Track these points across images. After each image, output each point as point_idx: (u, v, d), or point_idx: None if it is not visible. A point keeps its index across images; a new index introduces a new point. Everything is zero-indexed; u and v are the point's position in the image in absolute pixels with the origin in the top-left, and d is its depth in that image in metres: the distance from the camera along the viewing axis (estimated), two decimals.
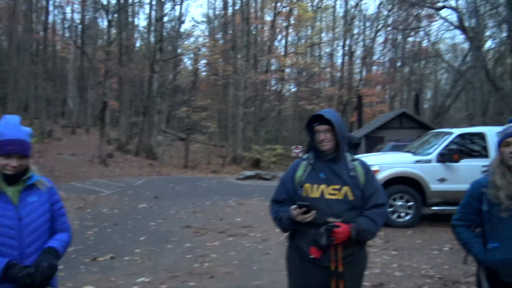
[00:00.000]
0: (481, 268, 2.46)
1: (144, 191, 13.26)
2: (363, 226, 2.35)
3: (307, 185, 2.44)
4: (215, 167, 24.46)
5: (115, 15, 27.06)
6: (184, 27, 49.80)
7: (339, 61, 34.19)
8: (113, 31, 28.68)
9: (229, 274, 5.10)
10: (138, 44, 41.35)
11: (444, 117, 34.99)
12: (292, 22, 30.34)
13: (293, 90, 35.98)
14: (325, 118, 2.41)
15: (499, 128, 9.02)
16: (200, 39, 40.94)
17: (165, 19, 31.29)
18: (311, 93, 30.09)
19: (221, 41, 37.88)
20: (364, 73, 34.83)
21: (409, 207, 8.07)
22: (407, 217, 8.06)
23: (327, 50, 36.19)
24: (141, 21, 66.47)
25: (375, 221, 2.40)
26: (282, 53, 30.86)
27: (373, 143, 18.18)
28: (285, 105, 29.87)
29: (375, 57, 36.52)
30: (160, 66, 25.49)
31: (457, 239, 2.57)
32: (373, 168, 8.17)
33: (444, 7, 20.39)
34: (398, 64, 34.57)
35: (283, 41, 33.52)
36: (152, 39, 30.41)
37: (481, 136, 8.33)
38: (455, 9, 19.79)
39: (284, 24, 30.73)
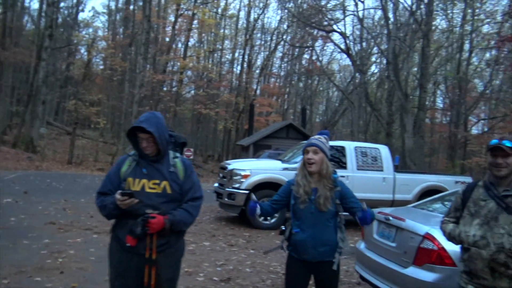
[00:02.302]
0: (289, 249, 3.02)
1: (14, 186, 12.31)
2: (178, 218, 2.62)
3: (130, 179, 2.65)
4: (103, 165, 23.45)
5: None
6: (82, 16, 47.22)
7: (239, 69, 35.11)
8: None
9: (81, 270, 5.08)
10: (28, 27, 38.18)
11: (331, 131, 37.82)
12: (194, 26, 30.44)
13: (192, 93, 36.06)
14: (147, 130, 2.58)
15: (358, 143, 10.10)
16: (99, 32, 39.20)
17: (61, 4, 29.42)
18: (208, 98, 30.43)
19: (121, 36, 36.62)
20: (261, 83, 36.17)
21: None
22: (273, 220, 8.68)
23: (228, 57, 36.95)
24: (34, 4, 61.25)
25: (191, 213, 2.69)
26: (182, 55, 30.76)
27: (261, 151, 19.00)
28: (181, 107, 29.76)
29: (273, 69, 38.14)
30: (49, 54, 23.83)
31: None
32: (244, 173, 8.68)
33: (333, 30, 22.17)
34: (293, 78, 36.53)
35: (185, 44, 33.44)
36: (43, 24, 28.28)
37: (342, 149, 9.31)
38: (342, 34, 21.62)
39: (186, 26, 30.69)
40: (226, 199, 8.84)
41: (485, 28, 26.09)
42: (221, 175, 9.63)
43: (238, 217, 9.39)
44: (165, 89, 31.94)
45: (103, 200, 2.66)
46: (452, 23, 24.40)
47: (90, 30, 41.29)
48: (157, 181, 2.64)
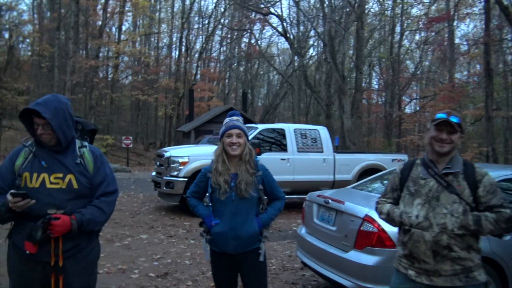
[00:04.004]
0: (205, 237, 2.79)
1: None
2: (88, 217, 2.27)
3: (26, 174, 2.25)
4: None
5: None
6: None
7: (177, 53, 34.15)
8: None
9: None
10: None
11: (273, 115, 38.02)
12: (127, 9, 29.06)
13: (129, 79, 34.70)
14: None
15: (297, 125, 10.06)
16: (25, 16, 36.37)
17: None
18: (146, 84, 29.38)
19: (47, 20, 34.27)
20: (201, 68, 35.48)
21: None
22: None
23: (166, 41, 35.85)
24: None
25: (103, 209, 2.35)
26: (116, 40, 29.36)
27: (201, 136, 18.62)
28: (117, 94, 28.49)
29: (212, 54, 37.49)
30: None
31: (189, 205, 2.92)
32: (182, 160, 8.36)
33: (270, 13, 22.01)
34: (233, 62, 36.17)
35: (118, 27, 31.94)
36: None
37: (282, 132, 9.23)
38: (279, 16, 21.52)
39: (119, 9, 29.22)
40: (164, 188, 8.50)
41: (415, 11, 27.21)
42: (158, 163, 9.23)
43: (178, 206, 9.08)
44: (100, 75, 30.43)
45: None
46: (384, 6, 25.14)
47: (14, 13, 38.24)
48: (60, 175, 2.26)
